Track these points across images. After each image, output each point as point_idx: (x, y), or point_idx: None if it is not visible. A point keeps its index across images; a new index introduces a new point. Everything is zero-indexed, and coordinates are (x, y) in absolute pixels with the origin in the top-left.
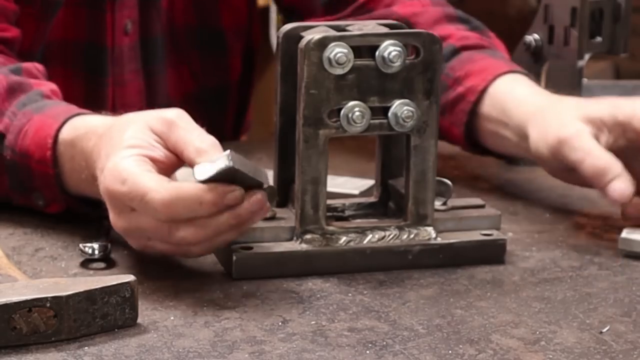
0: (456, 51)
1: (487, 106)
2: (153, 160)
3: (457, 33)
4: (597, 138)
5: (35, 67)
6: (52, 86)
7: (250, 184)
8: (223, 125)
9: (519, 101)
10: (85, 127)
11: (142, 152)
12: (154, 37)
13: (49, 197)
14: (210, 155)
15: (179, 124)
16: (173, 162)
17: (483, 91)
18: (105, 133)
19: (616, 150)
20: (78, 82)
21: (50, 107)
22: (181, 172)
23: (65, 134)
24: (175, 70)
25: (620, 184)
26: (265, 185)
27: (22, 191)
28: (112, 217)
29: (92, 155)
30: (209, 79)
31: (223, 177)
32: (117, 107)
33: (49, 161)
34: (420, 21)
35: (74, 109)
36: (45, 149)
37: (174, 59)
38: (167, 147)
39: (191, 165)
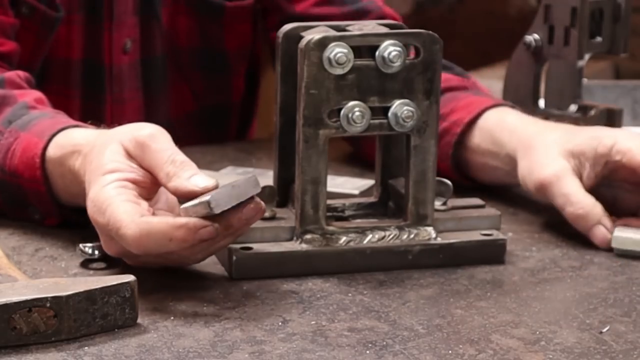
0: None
1: (477, 138)
2: (134, 182)
3: None
4: (579, 172)
5: (18, 75)
6: (37, 94)
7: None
8: (225, 141)
9: (510, 130)
10: (70, 144)
11: (122, 176)
12: (156, 56)
13: (44, 211)
14: (179, 177)
15: (151, 145)
16: (153, 181)
17: (470, 123)
18: (88, 154)
19: (601, 179)
20: (76, 100)
21: (36, 122)
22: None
23: (52, 152)
24: (177, 89)
25: (601, 232)
26: (256, 192)
27: (17, 207)
28: (103, 243)
29: (80, 176)
30: (211, 99)
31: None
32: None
33: (40, 179)
34: None
35: (58, 122)
36: (34, 169)
37: (176, 79)
38: (143, 168)
39: (166, 189)
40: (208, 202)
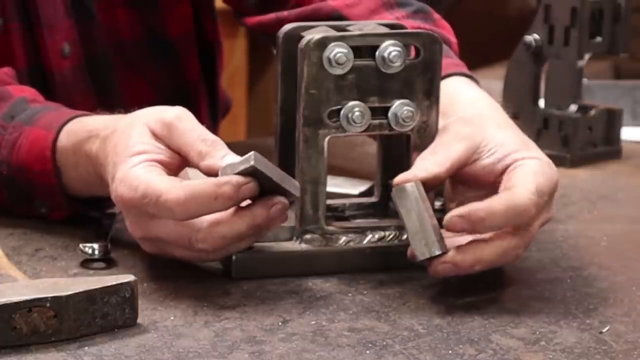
0: None
1: None
2: (162, 164)
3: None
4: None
5: (6, 73)
6: (31, 89)
7: (275, 190)
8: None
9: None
10: (85, 130)
11: (150, 157)
12: (100, 56)
13: (52, 205)
14: (212, 157)
15: (178, 126)
16: (179, 162)
17: None
18: (109, 137)
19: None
20: None
21: (40, 115)
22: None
23: (64, 141)
24: (131, 84)
25: None
26: (293, 196)
27: (23, 202)
28: (130, 225)
29: (99, 159)
30: (168, 86)
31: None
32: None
33: (51, 172)
34: (355, 12)
35: (65, 113)
36: (45, 161)
37: (129, 74)
38: (170, 149)
39: (198, 168)
40: (249, 157)
